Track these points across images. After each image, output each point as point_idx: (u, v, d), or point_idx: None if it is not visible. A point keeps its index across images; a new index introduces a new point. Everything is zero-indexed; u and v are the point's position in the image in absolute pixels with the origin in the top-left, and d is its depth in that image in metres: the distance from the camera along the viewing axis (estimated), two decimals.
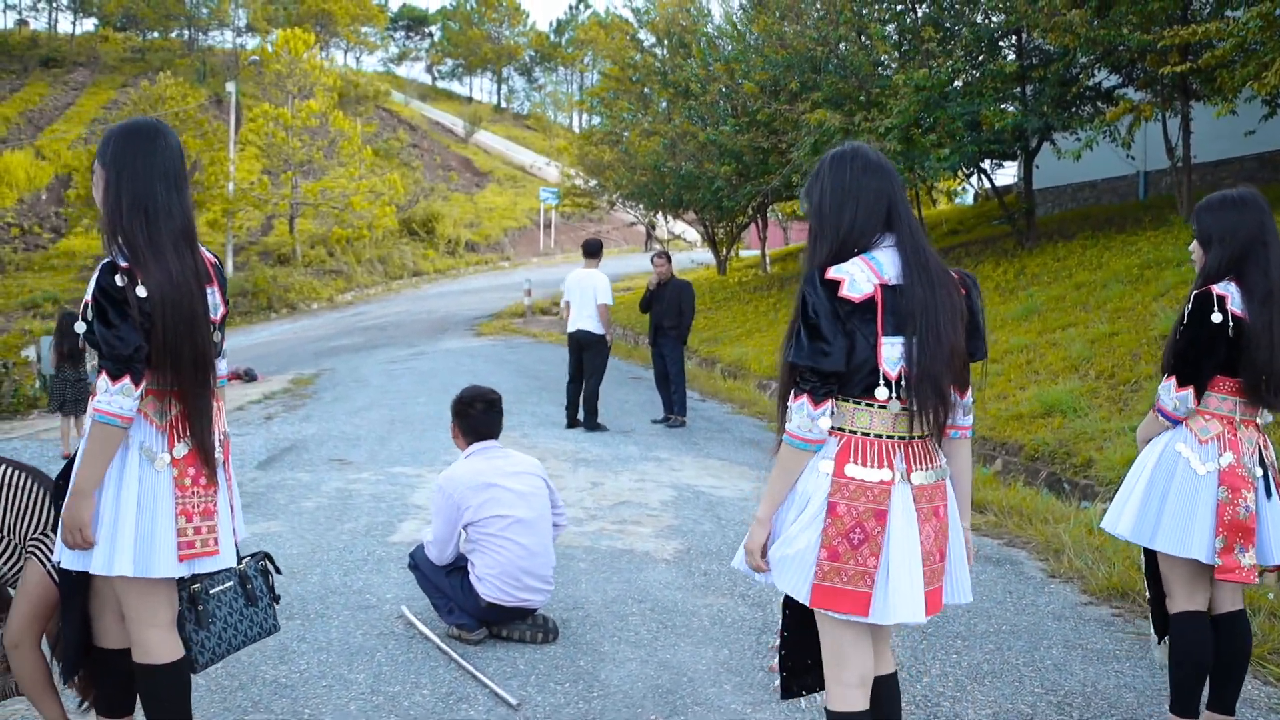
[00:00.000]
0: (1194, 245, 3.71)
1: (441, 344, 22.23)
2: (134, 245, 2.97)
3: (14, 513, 3.19)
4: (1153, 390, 9.33)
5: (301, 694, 4.02)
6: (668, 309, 11.89)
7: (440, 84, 78.52)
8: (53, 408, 13.18)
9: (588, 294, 11.63)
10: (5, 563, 3.20)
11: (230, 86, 36.82)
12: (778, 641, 3.08)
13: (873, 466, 2.77)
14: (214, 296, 3.13)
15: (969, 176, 20.52)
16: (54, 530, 3.18)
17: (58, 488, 3.10)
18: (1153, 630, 3.89)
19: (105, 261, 2.96)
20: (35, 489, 3.27)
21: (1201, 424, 3.56)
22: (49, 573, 3.16)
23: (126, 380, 2.87)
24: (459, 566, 4.70)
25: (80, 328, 2.97)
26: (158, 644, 3.04)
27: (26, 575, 3.19)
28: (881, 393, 2.75)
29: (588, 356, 11.55)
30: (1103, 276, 14.04)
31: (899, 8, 19.07)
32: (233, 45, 59.40)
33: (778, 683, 3.11)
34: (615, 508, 7.44)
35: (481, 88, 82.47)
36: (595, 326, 11.48)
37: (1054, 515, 7.24)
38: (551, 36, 76.81)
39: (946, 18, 18.39)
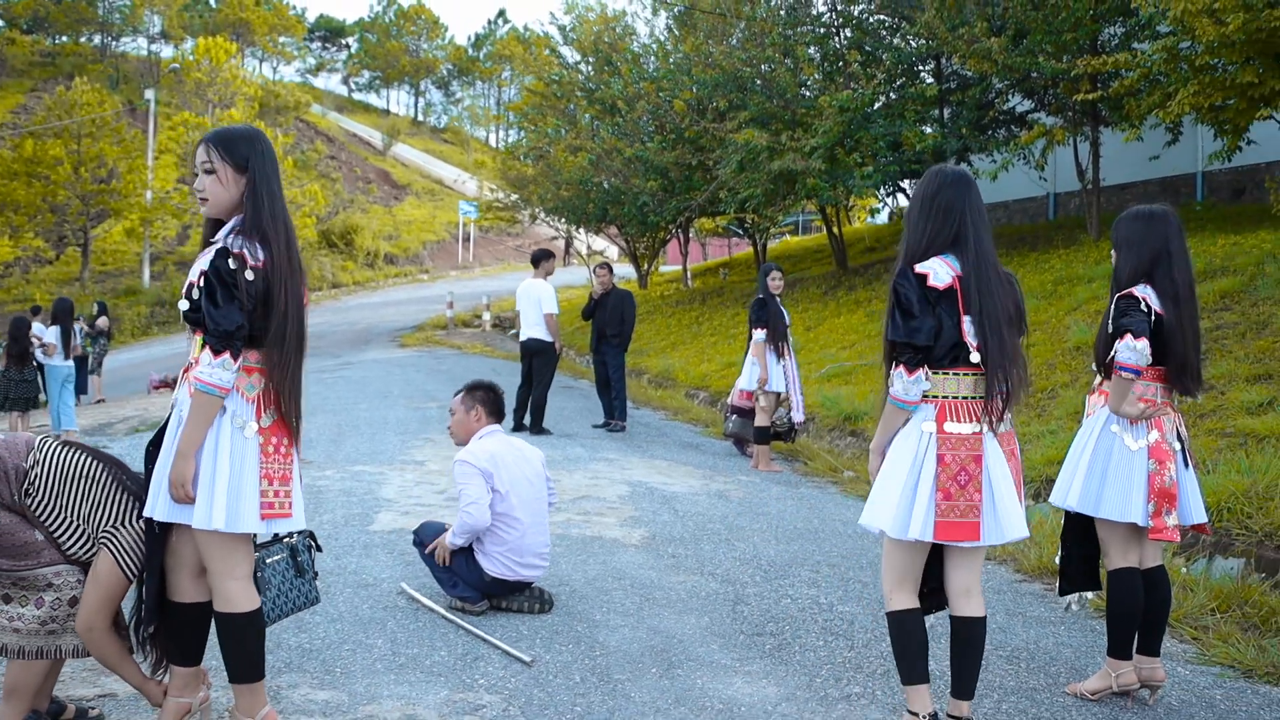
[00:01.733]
0: (1113, 252, 4.30)
1: (366, 355, 22.31)
2: (264, 236, 3.30)
3: (90, 504, 3.42)
4: (1069, 398, 10.01)
5: (328, 657, 4.32)
6: (610, 318, 12.28)
7: (357, 96, 77.90)
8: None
9: (534, 304, 11.95)
10: (80, 547, 3.45)
11: (149, 94, 36.33)
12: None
13: (966, 422, 3.53)
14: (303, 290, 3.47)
15: (889, 195, 21.24)
16: (124, 524, 3.44)
17: (149, 453, 3.41)
18: (1058, 586, 4.48)
19: (219, 247, 3.26)
20: (111, 483, 3.50)
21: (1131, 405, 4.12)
22: (119, 563, 3.41)
23: (226, 355, 3.18)
24: (463, 545, 5.05)
25: (184, 305, 3.30)
26: (238, 594, 3.34)
27: (98, 565, 3.42)
28: (974, 357, 3.51)
29: (537, 363, 11.88)
30: None
31: (822, 31, 19.76)
32: (147, 52, 58.39)
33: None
34: (576, 501, 7.80)
35: (398, 100, 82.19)
36: (544, 334, 11.81)
37: None
38: (470, 51, 76.70)
39: (869, 42, 19.13)
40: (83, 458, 3.50)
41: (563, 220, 29.87)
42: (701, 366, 18.09)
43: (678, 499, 7.99)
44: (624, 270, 34.25)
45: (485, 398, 5.36)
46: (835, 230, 22.90)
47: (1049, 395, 10.58)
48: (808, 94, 18.42)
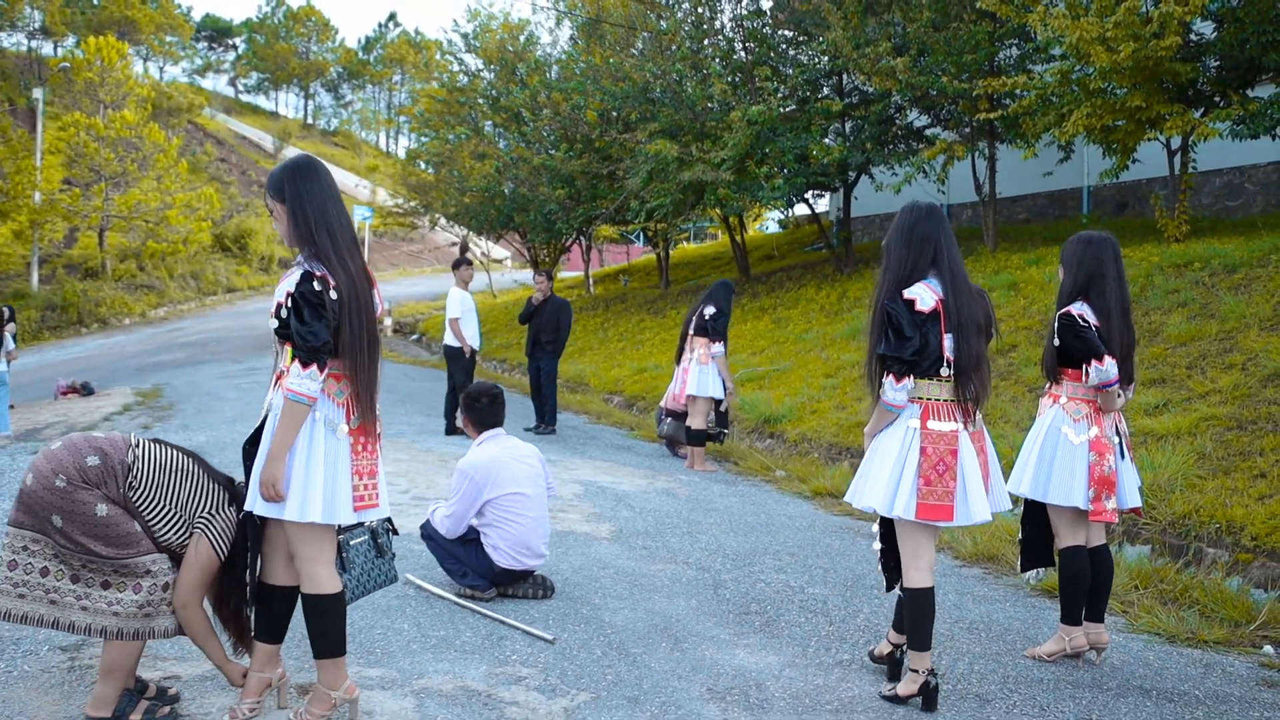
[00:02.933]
0: (1060, 270, 4.93)
1: (266, 360, 22.22)
2: (326, 256, 3.62)
3: (186, 494, 3.73)
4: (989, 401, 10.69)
5: (364, 639, 4.65)
6: (546, 324, 12.64)
7: (245, 97, 76.31)
8: None
9: (471, 310, 12.31)
10: (175, 534, 3.74)
11: (37, 93, 35.32)
12: (878, 550, 4.51)
13: (945, 420, 4.13)
14: (375, 296, 3.83)
15: (793, 205, 21.92)
16: (217, 510, 3.77)
17: (246, 452, 3.74)
18: (1019, 563, 5.08)
19: (303, 270, 3.58)
20: (202, 474, 3.82)
21: (1074, 407, 4.74)
22: (214, 546, 3.73)
23: (314, 368, 3.51)
24: (470, 538, 5.41)
25: (273, 324, 3.63)
26: (326, 578, 3.69)
27: (198, 547, 3.73)
28: (945, 371, 4.05)
29: (451, 368, 12.25)
30: None
31: (726, 46, 20.36)
32: (27, 48, 56.47)
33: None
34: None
35: (287, 103, 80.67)
36: (451, 340, 12.15)
37: None
38: (360, 54, 75.77)
39: (773, 58, 19.82)
40: (176, 453, 3.82)
41: (463, 227, 30.03)
42: (613, 371, 18.56)
43: (630, 496, 8.43)
44: (523, 276, 34.57)
45: (472, 408, 5.71)
46: (739, 238, 23.56)
47: None
48: (714, 106, 18.99)
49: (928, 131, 19.35)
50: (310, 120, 74.89)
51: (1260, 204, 17.26)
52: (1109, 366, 4.58)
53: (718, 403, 10.40)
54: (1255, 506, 6.80)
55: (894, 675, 4.42)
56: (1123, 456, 4.86)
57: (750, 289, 21.90)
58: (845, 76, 19.82)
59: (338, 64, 74.69)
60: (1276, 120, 12.60)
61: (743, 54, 19.99)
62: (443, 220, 30.94)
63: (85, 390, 18.07)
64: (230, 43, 78.04)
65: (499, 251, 39.90)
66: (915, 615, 4.13)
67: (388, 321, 29.16)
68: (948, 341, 4.13)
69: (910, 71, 15.75)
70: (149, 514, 3.69)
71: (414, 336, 29.13)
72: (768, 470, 10.17)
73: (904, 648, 4.39)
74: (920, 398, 4.16)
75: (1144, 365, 10.16)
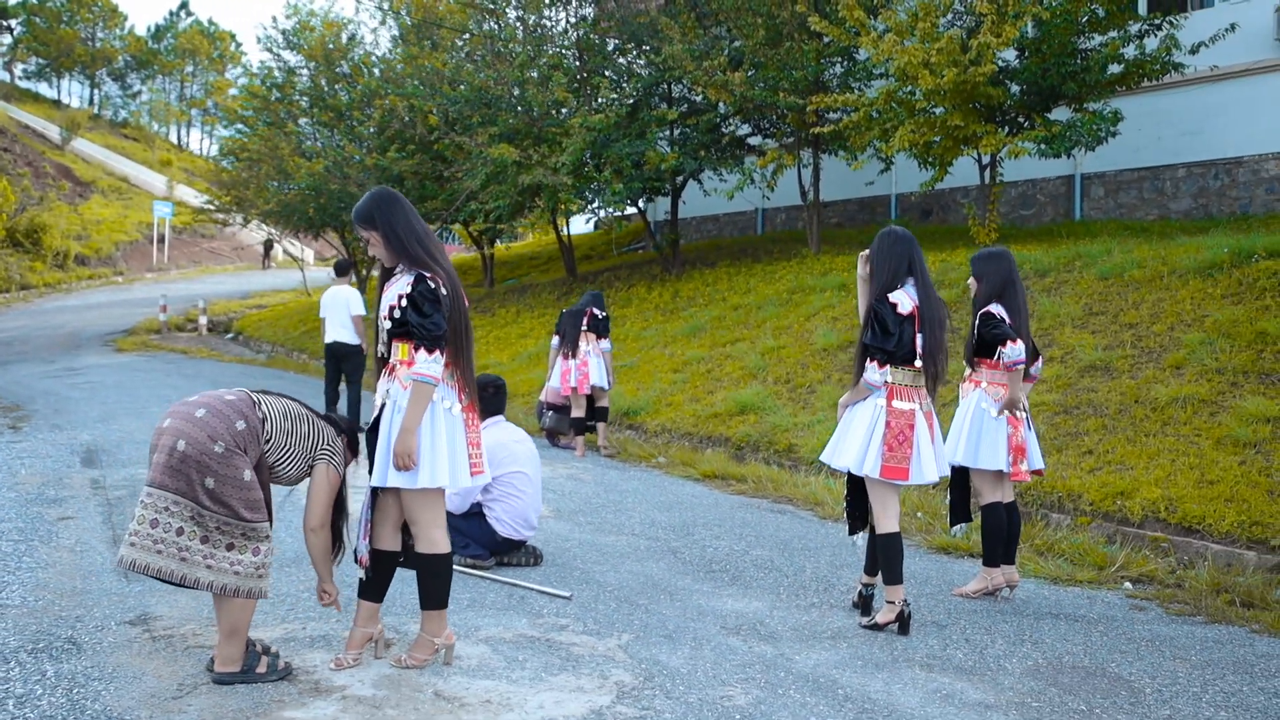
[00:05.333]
0: (971, 280, 5.95)
1: (84, 359, 21.61)
2: (425, 264, 4.26)
3: (303, 433, 4.29)
4: (826, 393, 11.83)
5: (397, 605, 5.19)
6: None
7: (23, 84, 71.80)
8: None
9: (342, 308, 12.61)
10: (296, 469, 4.28)
11: None
12: (846, 502, 5.36)
13: (906, 401, 5.00)
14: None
15: (634, 207, 22.66)
16: (332, 441, 4.36)
17: (369, 438, 4.31)
18: (949, 520, 6.13)
19: (416, 273, 4.23)
20: (310, 414, 4.39)
21: (993, 389, 5.79)
22: (337, 470, 4.35)
23: (437, 353, 4.16)
24: (473, 512, 6.05)
25: (386, 324, 4.26)
26: (441, 539, 4.30)
27: (326, 475, 4.32)
28: (918, 362, 5.01)
29: (346, 366, 12.59)
30: (755, 300, 16.59)
31: (564, 54, 21.10)
32: None
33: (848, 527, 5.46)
34: None
35: (71, 91, 76.10)
36: (350, 337, 12.50)
37: (790, 482, 9.35)
38: (150, 42, 72.46)
39: (608, 67, 20.72)
40: (288, 401, 4.38)
41: (277, 224, 29.68)
42: None
43: (545, 483, 9.11)
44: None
45: (479, 398, 6.35)
46: (565, 239, 24.33)
47: (809, 390, 12.36)
48: (560, 113, 19.70)
49: (749, 140, 20.61)
50: (98, 110, 71.10)
51: (1050, 213, 19.28)
52: (1019, 347, 5.62)
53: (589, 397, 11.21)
54: (1088, 478, 8.09)
55: (866, 611, 5.35)
56: (1029, 428, 5.94)
57: (579, 289, 22.68)
58: (672, 86, 20.92)
59: (126, 52, 71.01)
60: (1074, 141, 14.30)
61: (576, 63, 20.77)
62: (260, 218, 30.37)
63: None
64: (6, 24, 73.09)
65: (303, 251, 39.32)
66: (889, 555, 5.07)
67: (202, 320, 28.58)
68: (919, 338, 5.12)
69: (744, 85, 16.91)
70: (275, 457, 4.22)
71: (229, 335, 28.68)
72: (650, 457, 11.00)
73: (872, 587, 5.35)
74: (888, 381, 5.13)
75: None
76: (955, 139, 14.82)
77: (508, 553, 6.09)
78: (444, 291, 4.25)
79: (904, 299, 5.13)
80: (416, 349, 4.19)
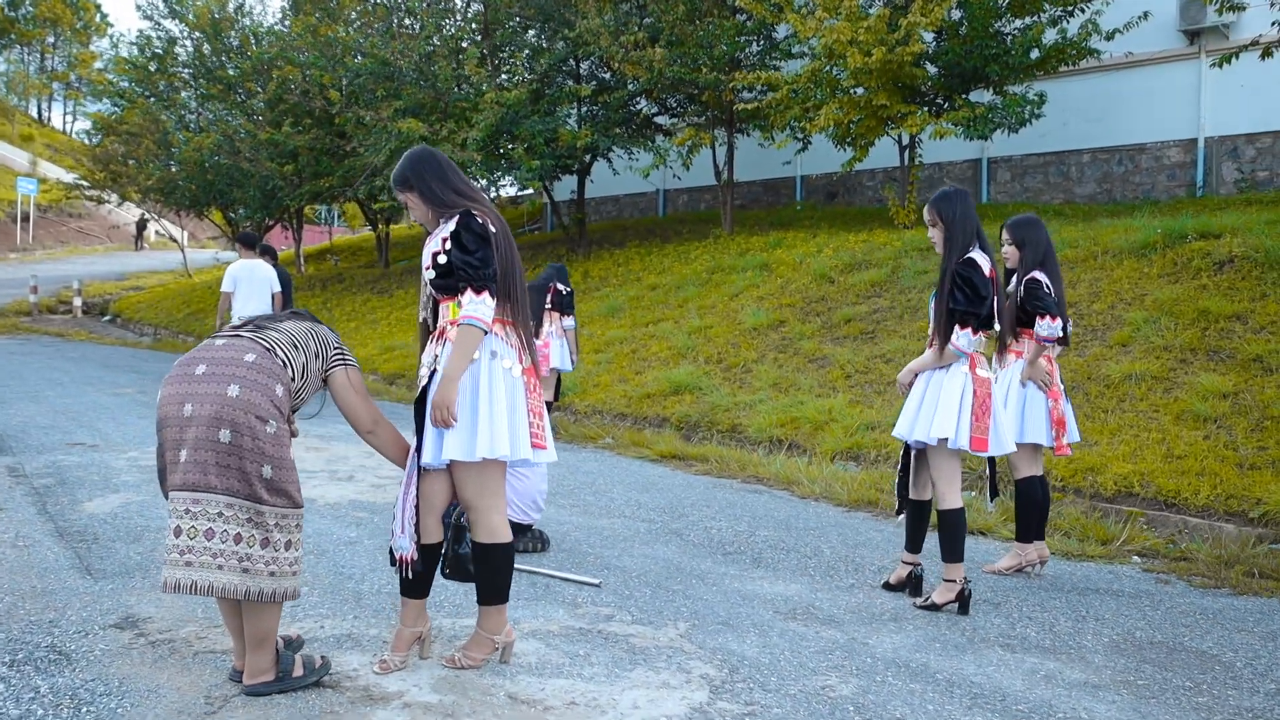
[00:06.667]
0: (1009, 247, 5.74)
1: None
2: (473, 199, 3.83)
3: (313, 352, 3.75)
4: (762, 373, 11.66)
5: (433, 598, 4.79)
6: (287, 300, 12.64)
7: None
8: None
9: (261, 284, 11.88)
10: (310, 390, 3.76)
11: None
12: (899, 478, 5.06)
13: (984, 369, 4.82)
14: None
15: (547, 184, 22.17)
16: (336, 347, 3.85)
17: (417, 411, 3.79)
18: (988, 495, 5.92)
19: (461, 210, 3.77)
20: (310, 323, 3.86)
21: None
22: (354, 368, 3.86)
23: (486, 294, 3.66)
24: None
25: (430, 275, 3.77)
26: (501, 526, 3.82)
27: (348, 377, 3.82)
28: (995, 326, 4.77)
29: None
30: (673, 280, 16.37)
31: (474, 26, 20.53)
32: None
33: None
34: (379, 465, 8.27)
35: None
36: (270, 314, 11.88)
37: (752, 462, 9.11)
38: (7, 9, 68.16)
39: (516, 42, 20.19)
40: (280, 325, 3.80)
41: (158, 202, 28.34)
42: (356, 351, 18.34)
43: None
44: (228, 256, 32.98)
45: None
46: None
47: (744, 370, 12.17)
48: (467, 90, 19.12)
49: (657, 119, 20.36)
50: None
51: None
52: (1056, 325, 5.46)
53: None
54: (1053, 454, 8.03)
55: (916, 591, 5.11)
56: (1067, 400, 5.79)
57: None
58: (580, 63, 20.53)
59: None
60: (996, 124, 14.40)
61: (478, 37, 20.21)
62: (141, 195, 28.93)
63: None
64: None
65: (183, 233, 37.70)
66: (952, 532, 4.83)
67: (76, 301, 27.11)
68: (994, 302, 4.88)
69: (663, 62, 16.62)
70: (298, 388, 3.69)
71: (106, 317, 27.27)
72: (595, 438, 10.65)
73: (919, 566, 5.11)
74: (971, 350, 4.90)
75: (914, 337, 11.47)
76: (879, 119, 14.79)
77: (517, 537, 5.68)
78: (492, 229, 3.79)
79: (982, 260, 4.89)
80: (463, 291, 3.70)
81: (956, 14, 14.90)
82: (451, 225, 3.77)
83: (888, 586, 5.25)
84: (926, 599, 4.93)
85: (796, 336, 12.50)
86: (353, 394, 3.85)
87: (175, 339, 22.58)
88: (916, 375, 5.02)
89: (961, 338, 4.83)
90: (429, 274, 3.82)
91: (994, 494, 5.80)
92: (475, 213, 3.79)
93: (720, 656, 4.08)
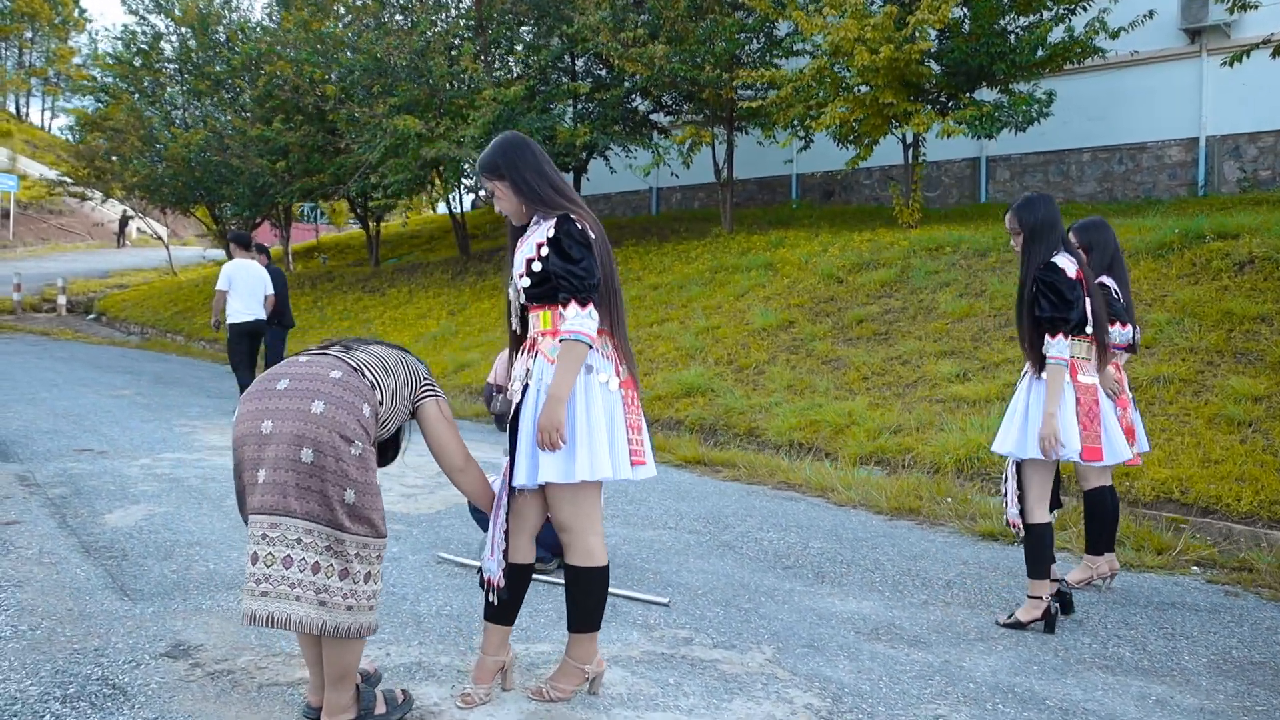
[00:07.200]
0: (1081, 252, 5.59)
1: None
2: (568, 206, 3.61)
3: (401, 379, 3.50)
4: (775, 374, 11.50)
5: (475, 621, 4.63)
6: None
7: None
8: None
9: (257, 284, 11.76)
10: (396, 421, 3.52)
11: None
12: (1014, 499, 4.81)
13: (1088, 375, 4.67)
14: None
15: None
16: (426, 378, 3.64)
17: (512, 429, 3.58)
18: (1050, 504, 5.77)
19: (559, 215, 3.56)
20: (399, 351, 3.63)
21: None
22: (445, 401, 3.65)
23: (590, 306, 3.47)
24: None
25: (524, 283, 3.58)
26: (599, 548, 3.62)
27: (435, 414, 3.60)
28: (1089, 329, 4.63)
29: (264, 341, 11.81)
30: (675, 279, 16.19)
31: (468, 22, 20.27)
32: None
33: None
34: (402, 474, 8.10)
35: None
36: (265, 314, 11.74)
37: (782, 468, 8.91)
38: None
39: (511, 38, 19.97)
40: (369, 347, 3.58)
41: (143, 200, 27.94)
42: None
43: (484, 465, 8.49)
44: (216, 254, 32.64)
45: None
46: (460, 217, 23.48)
47: (756, 371, 12.01)
48: (460, 86, 18.89)
49: (653, 116, 20.18)
50: None
51: (956, 195, 19.40)
52: (1127, 331, 5.33)
53: None
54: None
55: (1064, 609, 4.89)
56: (1135, 407, 5.66)
57: (475, 267, 21.89)
58: (576, 60, 20.33)
59: None
60: (1004, 122, 14.29)
61: (469, 34, 19.96)
62: (126, 192, 28.51)
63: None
64: None
65: (168, 231, 37.27)
66: (1039, 548, 4.67)
67: (61, 300, 26.72)
68: (1087, 304, 4.73)
69: (664, 58, 16.42)
70: (385, 415, 3.46)
71: (91, 315, 26.89)
72: None
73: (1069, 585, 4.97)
74: (1069, 356, 4.73)
75: (930, 339, 11.34)
76: (884, 117, 14.67)
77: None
78: (592, 235, 3.59)
79: (1069, 264, 4.72)
80: (565, 304, 3.50)
81: (958, 11, 14.77)
82: (549, 230, 3.57)
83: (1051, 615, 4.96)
84: (1011, 617, 4.77)
85: (808, 338, 12.34)
86: (446, 428, 3.64)
87: (163, 338, 22.25)
88: (1055, 418, 4.67)
89: (1054, 346, 4.66)
90: (523, 281, 3.62)
91: (1055, 505, 5.63)
92: (574, 217, 3.59)
93: (818, 684, 3.90)
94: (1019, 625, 4.71)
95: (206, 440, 9.37)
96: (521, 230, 3.75)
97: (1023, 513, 4.78)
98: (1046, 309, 4.66)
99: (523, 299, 3.69)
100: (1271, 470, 7.40)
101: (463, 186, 22.17)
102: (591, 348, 3.54)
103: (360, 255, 28.53)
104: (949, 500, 7.47)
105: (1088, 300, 4.75)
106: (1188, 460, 7.74)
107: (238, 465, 3.34)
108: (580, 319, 3.46)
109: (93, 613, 4.59)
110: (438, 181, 21.92)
